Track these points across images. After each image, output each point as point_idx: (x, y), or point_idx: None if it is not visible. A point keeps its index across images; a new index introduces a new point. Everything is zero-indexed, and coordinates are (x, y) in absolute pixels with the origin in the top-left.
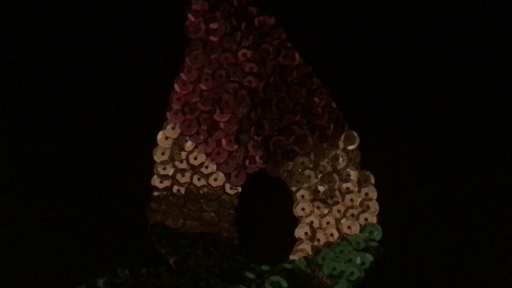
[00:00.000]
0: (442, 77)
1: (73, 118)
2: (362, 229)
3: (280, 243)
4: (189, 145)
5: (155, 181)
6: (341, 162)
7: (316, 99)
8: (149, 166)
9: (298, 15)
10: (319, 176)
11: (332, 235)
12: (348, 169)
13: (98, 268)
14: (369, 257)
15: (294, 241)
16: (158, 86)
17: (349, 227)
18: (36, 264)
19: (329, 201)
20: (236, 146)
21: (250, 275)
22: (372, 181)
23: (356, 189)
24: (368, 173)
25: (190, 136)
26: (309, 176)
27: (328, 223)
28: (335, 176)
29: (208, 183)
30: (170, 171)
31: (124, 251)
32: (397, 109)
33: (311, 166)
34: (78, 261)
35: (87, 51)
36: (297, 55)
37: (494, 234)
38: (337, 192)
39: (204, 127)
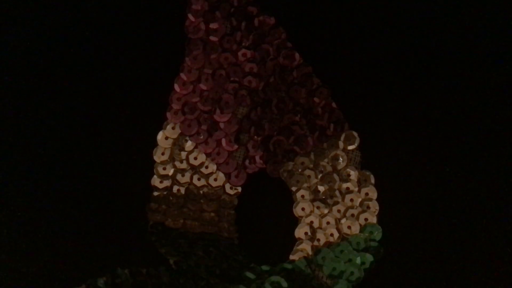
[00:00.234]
0: (442, 77)
1: (73, 118)
2: (362, 229)
3: (280, 243)
4: (189, 145)
5: (155, 181)
6: (341, 162)
7: (316, 99)
8: (149, 166)
9: (298, 15)
10: (319, 176)
11: (332, 235)
12: (348, 169)
13: (98, 268)
14: (369, 257)
15: (294, 241)
16: (158, 86)
17: (349, 227)
18: (36, 264)
19: (329, 201)
20: (236, 146)
21: (250, 275)
22: (372, 181)
23: (356, 189)
24: (368, 173)
25: (190, 136)
26: (309, 176)
27: (328, 223)
28: (335, 176)
29: (208, 183)
30: (170, 171)
31: (124, 251)
32: (397, 109)
33: (311, 166)
34: (78, 261)
35: (87, 51)
36: (297, 55)
37: (494, 234)
38: (337, 192)
39: (204, 127)
